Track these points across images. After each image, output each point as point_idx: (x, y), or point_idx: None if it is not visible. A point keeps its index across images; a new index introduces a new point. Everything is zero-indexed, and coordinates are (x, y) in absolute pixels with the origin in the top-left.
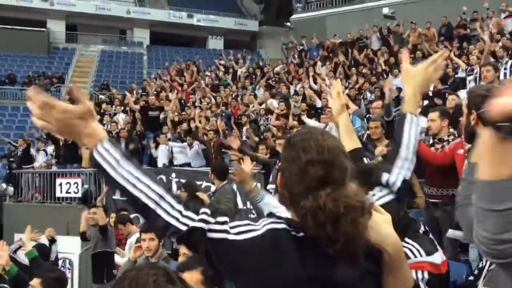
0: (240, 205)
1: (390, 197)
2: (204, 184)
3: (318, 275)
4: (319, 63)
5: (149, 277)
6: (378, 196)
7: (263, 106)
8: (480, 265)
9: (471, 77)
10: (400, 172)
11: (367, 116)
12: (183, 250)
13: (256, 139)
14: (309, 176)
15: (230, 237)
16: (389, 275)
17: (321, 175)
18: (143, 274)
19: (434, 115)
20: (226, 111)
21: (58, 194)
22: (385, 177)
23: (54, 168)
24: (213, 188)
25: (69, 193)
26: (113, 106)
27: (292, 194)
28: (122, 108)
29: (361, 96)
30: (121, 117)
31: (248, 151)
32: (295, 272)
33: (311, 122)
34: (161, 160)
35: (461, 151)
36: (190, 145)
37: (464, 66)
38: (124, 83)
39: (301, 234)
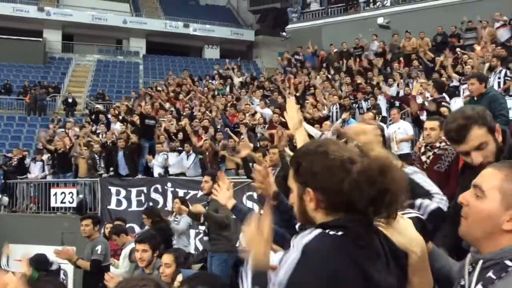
0: None
1: (415, 215)
2: (200, 193)
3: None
4: (312, 74)
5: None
6: (407, 211)
7: (259, 114)
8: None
9: (464, 86)
10: (438, 200)
11: None
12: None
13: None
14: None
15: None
16: (415, 276)
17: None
18: (131, 284)
19: (434, 123)
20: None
21: (53, 204)
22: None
23: (49, 178)
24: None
25: (64, 203)
26: (109, 115)
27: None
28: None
29: (356, 106)
30: (117, 127)
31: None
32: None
33: (311, 129)
34: (157, 170)
35: None
36: (188, 153)
37: (457, 77)
38: (120, 92)
39: (340, 232)
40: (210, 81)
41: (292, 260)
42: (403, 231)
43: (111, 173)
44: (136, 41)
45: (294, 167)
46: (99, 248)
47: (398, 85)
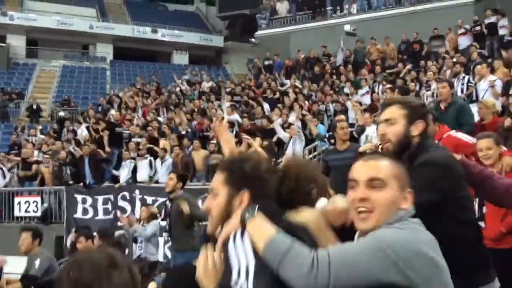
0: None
1: None
2: None
3: None
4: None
5: (91, 259)
6: None
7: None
8: None
9: (428, 93)
10: None
11: (327, 135)
12: None
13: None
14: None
15: None
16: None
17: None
18: (86, 256)
19: (489, 142)
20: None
21: (16, 214)
22: None
23: (12, 186)
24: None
25: (28, 212)
26: (75, 122)
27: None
28: (85, 125)
29: (324, 109)
30: (83, 134)
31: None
32: None
33: (282, 133)
34: (124, 177)
35: None
36: (162, 159)
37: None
38: (87, 98)
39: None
40: (178, 84)
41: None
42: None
43: (76, 182)
44: (103, 47)
45: (228, 171)
46: (37, 262)
47: (367, 91)
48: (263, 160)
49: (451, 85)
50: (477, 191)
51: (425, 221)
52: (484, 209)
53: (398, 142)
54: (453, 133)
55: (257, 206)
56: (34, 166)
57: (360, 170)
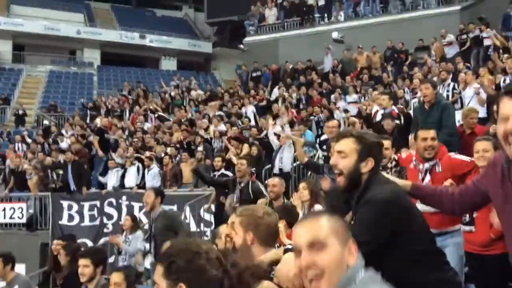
0: (194, 227)
1: None
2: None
3: None
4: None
5: None
6: None
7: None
8: None
9: (414, 100)
10: None
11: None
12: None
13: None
14: None
15: None
16: None
17: None
18: None
19: (387, 143)
20: None
21: (1, 220)
22: None
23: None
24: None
25: (13, 218)
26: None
27: None
28: (71, 132)
29: (314, 118)
30: (64, 144)
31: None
32: None
33: (275, 141)
34: (111, 183)
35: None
36: (148, 167)
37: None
38: (74, 104)
39: None
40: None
41: None
42: None
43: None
44: (91, 52)
45: (166, 264)
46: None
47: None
48: (202, 251)
49: (434, 86)
50: (438, 208)
51: (378, 258)
52: (475, 214)
53: (348, 175)
54: (452, 154)
55: None
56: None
57: (299, 235)
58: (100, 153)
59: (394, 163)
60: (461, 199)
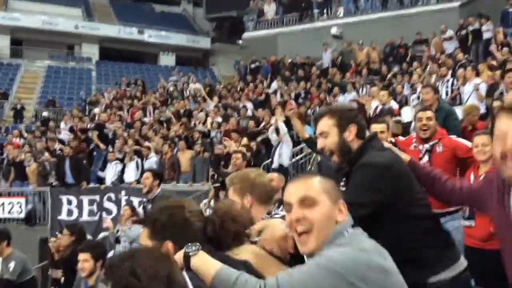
0: None
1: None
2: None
3: None
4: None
5: None
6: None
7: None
8: None
9: (414, 96)
10: None
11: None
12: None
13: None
14: None
15: None
16: None
17: None
18: None
19: (382, 126)
20: None
21: (0, 215)
22: None
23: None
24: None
25: (12, 213)
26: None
27: None
28: (69, 126)
29: (312, 112)
30: (64, 135)
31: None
32: None
33: (274, 136)
34: (110, 177)
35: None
36: (147, 157)
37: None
38: (72, 99)
39: None
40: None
41: None
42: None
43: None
44: (89, 47)
45: (150, 225)
46: (11, 265)
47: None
48: (183, 206)
49: (436, 91)
50: (427, 190)
51: (374, 221)
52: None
53: (338, 150)
54: (454, 137)
55: (198, 244)
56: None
57: (291, 192)
58: (102, 145)
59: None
60: (452, 192)
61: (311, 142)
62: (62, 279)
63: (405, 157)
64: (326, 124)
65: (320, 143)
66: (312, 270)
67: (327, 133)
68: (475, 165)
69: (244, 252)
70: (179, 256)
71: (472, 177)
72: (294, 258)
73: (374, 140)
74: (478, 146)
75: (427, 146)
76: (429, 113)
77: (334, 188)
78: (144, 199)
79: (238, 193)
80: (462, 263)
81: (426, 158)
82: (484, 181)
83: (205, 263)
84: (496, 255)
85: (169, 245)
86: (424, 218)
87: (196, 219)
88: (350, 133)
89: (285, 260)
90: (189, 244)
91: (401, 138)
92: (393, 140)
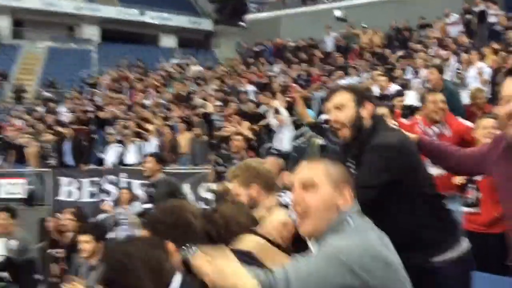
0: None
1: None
2: None
3: None
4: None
5: None
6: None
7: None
8: None
9: (417, 80)
10: None
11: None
12: None
13: None
14: None
15: None
16: None
17: None
18: None
19: (384, 110)
20: None
21: (0, 195)
22: None
23: None
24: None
25: (13, 193)
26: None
27: None
28: (69, 107)
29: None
30: (67, 115)
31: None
32: None
33: (274, 120)
34: (110, 160)
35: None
36: (147, 140)
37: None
38: (72, 81)
39: None
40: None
41: None
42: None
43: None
44: (90, 28)
45: (151, 226)
46: (14, 243)
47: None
48: (184, 208)
49: (440, 70)
50: (440, 164)
51: (381, 202)
52: (480, 195)
53: (352, 126)
54: (462, 120)
55: (195, 245)
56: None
57: (296, 174)
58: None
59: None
60: (465, 160)
61: (314, 126)
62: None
63: (414, 137)
64: (344, 97)
65: (334, 115)
66: (318, 260)
67: (344, 106)
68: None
69: (247, 242)
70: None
71: None
72: (298, 245)
73: (383, 121)
74: (485, 128)
75: (436, 129)
76: (441, 96)
77: (340, 173)
78: (147, 182)
79: (243, 184)
80: (466, 243)
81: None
82: (492, 143)
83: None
84: (499, 239)
85: (169, 246)
86: (430, 197)
87: (198, 221)
88: (366, 109)
89: (286, 249)
90: (188, 245)
91: (403, 120)
92: (396, 123)
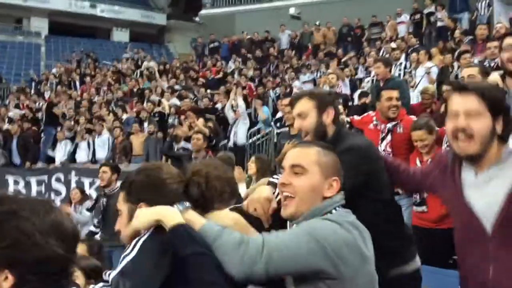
0: None
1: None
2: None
3: None
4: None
5: None
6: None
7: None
8: None
9: (368, 78)
10: None
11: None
12: None
13: None
14: None
15: None
16: None
17: None
18: None
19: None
20: None
21: None
22: None
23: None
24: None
25: None
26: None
27: None
28: (17, 102)
29: (268, 93)
30: (14, 112)
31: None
32: None
33: (231, 115)
34: (59, 156)
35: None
36: (100, 133)
37: None
38: (19, 75)
39: None
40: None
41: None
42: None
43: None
44: (38, 21)
45: (127, 186)
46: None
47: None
48: (160, 168)
49: (386, 63)
50: (392, 180)
51: (352, 204)
52: (425, 194)
53: (315, 133)
54: (413, 117)
55: (187, 203)
56: None
57: (288, 156)
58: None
59: (347, 126)
60: (410, 179)
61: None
62: None
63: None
64: (306, 105)
65: (297, 124)
66: (295, 235)
67: (306, 114)
68: (418, 151)
69: (224, 219)
70: (144, 213)
71: (418, 162)
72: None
73: (344, 126)
74: (417, 141)
75: (389, 126)
76: (396, 93)
77: (332, 162)
78: (101, 192)
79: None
80: (418, 262)
81: (389, 137)
82: (434, 163)
83: (194, 217)
84: (447, 234)
85: (142, 207)
86: (389, 203)
87: (174, 181)
88: (328, 116)
89: (265, 226)
90: (180, 202)
91: (356, 117)
92: (348, 119)
